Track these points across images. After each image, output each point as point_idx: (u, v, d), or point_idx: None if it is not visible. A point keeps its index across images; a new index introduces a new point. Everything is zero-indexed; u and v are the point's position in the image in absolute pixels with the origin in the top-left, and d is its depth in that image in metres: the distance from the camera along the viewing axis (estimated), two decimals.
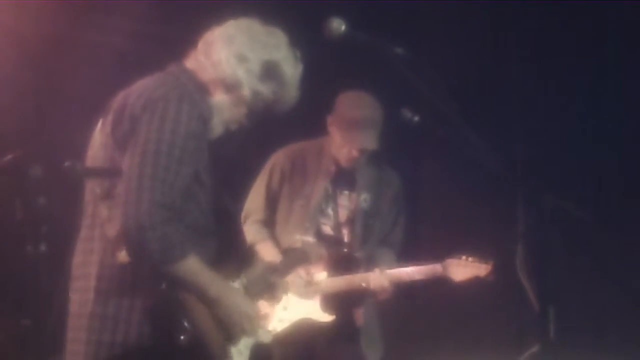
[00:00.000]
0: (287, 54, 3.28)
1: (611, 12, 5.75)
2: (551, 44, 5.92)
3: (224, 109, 3.23)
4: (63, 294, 3.24)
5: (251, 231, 4.84)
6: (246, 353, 3.31)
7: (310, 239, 4.68)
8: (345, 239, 4.84)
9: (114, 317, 3.05)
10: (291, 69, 3.29)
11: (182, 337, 2.98)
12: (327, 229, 4.84)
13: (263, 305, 3.47)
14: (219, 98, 3.22)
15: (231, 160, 3.40)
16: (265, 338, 3.45)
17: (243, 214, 4.90)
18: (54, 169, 3.11)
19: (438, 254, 4.84)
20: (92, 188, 3.19)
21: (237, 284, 3.31)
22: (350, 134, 4.69)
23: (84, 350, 3.07)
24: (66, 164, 2.98)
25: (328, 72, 5.16)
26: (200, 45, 3.28)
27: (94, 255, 3.13)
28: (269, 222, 4.90)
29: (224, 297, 3.13)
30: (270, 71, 3.24)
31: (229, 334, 3.19)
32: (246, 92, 3.23)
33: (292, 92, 3.32)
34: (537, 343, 3.19)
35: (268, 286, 3.47)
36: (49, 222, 3.22)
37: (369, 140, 4.68)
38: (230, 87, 3.22)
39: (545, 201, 3.23)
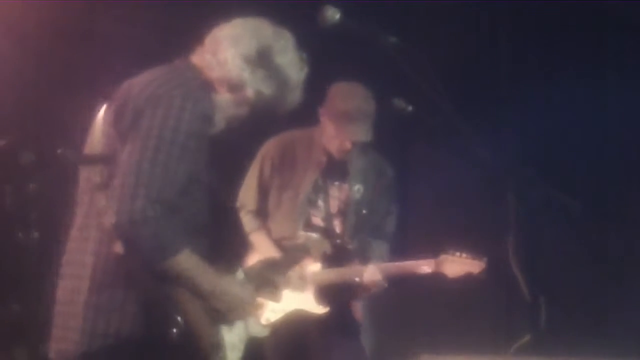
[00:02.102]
0: (294, 57, 3.28)
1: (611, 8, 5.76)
2: (549, 38, 5.92)
3: (226, 108, 3.23)
4: (54, 280, 3.24)
5: (243, 222, 4.83)
6: (240, 347, 3.30)
7: (313, 234, 4.67)
8: (337, 230, 4.83)
9: (107, 308, 3.04)
10: (296, 72, 3.28)
11: (174, 331, 2.98)
12: (318, 220, 4.82)
13: (260, 302, 3.45)
14: (223, 97, 3.22)
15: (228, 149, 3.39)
16: (262, 332, 3.44)
17: (237, 205, 4.89)
18: (45, 156, 3.10)
19: (428, 244, 4.83)
20: (89, 176, 3.19)
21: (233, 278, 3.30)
22: (343, 126, 4.68)
23: (78, 339, 3.06)
24: (59, 151, 2.97)
25: (321, 61, 5.14)
26: (207, 42, 3.27)
27: (89, 243, 3.12)
28: (262, 213, 4.88)
29: (217, 290, 3.11)
30: (275, 74, 3.24)
31: (225, 325, 3.20)
32: (250, 93, 3.23)
33: (295, 95, 3.31)
34: (528, 333, 3.20)
35: (268, 283, 3.47)
36: (40, 208, 3.21)
37: (362, 133, 4.67)
38: (235, 87, 3.22)
39: (536, 192, 3.23)
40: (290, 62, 3.26)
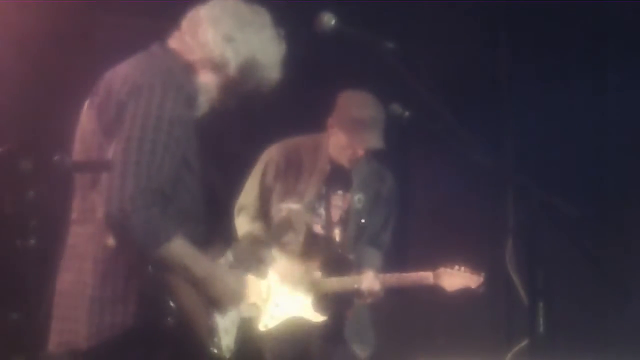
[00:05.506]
0: (272, 33, 3.33)
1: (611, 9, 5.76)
2: (549, 40, 5.92)
3: (210, 89, 3.29)
4: (53, 287, 3.25)
5: (243, 225, 4.83)
6: (233, 330, 3.35)
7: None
8: (337, 239, 4.83)
9: (112, 299, 3.09)
10: (276, 48, 3.34)
11: (169, 319, 3.01)
12: (318, 228, 4.83)
13: (251, 280, 3.49)
14: (206, 78, 3.27)
15: (228, 153, 3.42)
16: (251, 312, 3.48)
17: (237, 207, 4.89)
18: (44, 163, 3.10)
19: (427, 250, 4.85)
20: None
21: (223, 260, 3.35)
22: (358, 134, 4.67)
23: (86, 332, 3.10)
24: (55, 157, 2.99)
25: (318, 68, 5.15)
26: (185, 25, 3.32)
27: (88, 238, 3.17)
28: (263, 218, 4.89)
29: (210, 276, 3.17)
30: (256, 51, 3.29)
31: (218, 310, 3.22)
32: (233, 72, 3.27)
33: (276, 71, 3.36)
34: (526, 338, 3.20)
35: (256, 260, 3.52)
36: (39, 216, 3.21)
37: (377, 140, 4.67)
38: (218, 67, 3.27)
39: (534, 197, 3.23)
40: (270, 38, 3.32)
